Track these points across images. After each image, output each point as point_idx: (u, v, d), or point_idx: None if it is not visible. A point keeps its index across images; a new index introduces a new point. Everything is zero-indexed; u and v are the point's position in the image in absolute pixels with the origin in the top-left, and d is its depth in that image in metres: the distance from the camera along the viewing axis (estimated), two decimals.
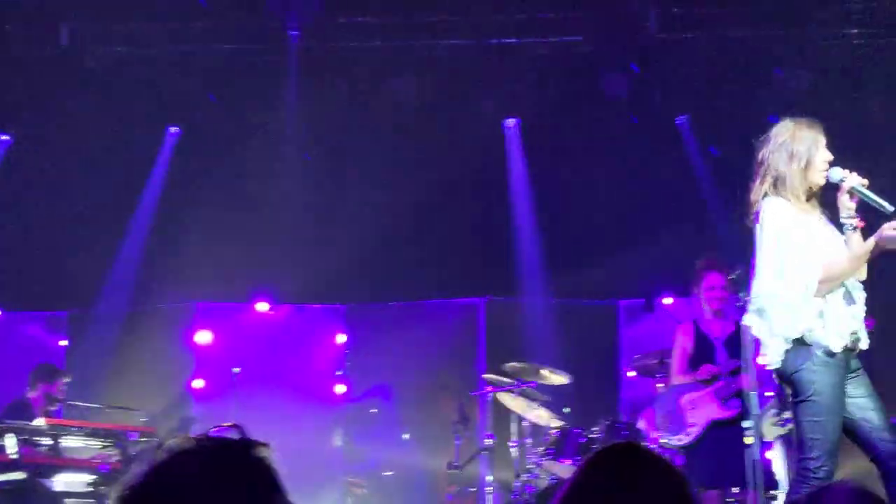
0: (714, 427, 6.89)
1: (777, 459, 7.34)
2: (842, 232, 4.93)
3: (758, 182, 5.10)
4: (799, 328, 4.83)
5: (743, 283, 6.61)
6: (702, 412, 6.95)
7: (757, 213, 5.04)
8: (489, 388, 8.27)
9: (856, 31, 9.92)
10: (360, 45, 9.95)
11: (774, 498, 6.88)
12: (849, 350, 4.89)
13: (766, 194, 5.01)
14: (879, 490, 4.61)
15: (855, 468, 5.68)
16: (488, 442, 8.15)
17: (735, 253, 8.88)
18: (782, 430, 7.38)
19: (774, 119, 5.30)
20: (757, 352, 6.64)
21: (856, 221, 4.92)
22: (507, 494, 8.37)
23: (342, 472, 9.00)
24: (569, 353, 9.22)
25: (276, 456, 1.83)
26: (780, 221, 4.92)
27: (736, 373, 6.75)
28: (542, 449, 8.08)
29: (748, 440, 6.40)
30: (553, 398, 8.50)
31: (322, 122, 10.19)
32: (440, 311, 10.06)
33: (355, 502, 8.82)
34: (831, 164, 5.02)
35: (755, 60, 10.12)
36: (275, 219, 10.03)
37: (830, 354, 4.81)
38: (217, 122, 10.19)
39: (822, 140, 5.07)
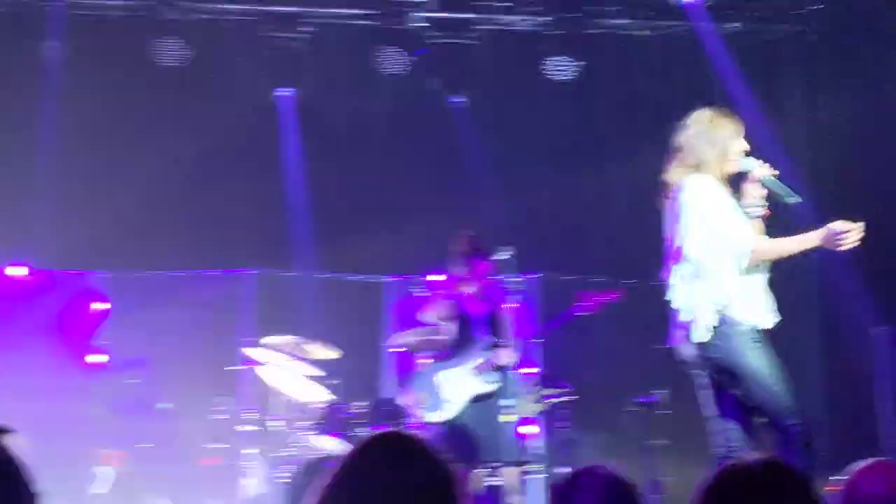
0: (473, 402, 7.02)
1: (534, 435, 7.56)
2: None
3: (675, 164, 5.25)
4: (727, 300, 5.05)
5: (510, 265, 6.79)
6: (461, 388, 7.08)
7: (675, 192, 5.18)
8: (255, 361, 8.19)
9: (626, 21, 10.36)
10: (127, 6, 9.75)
11: (531, 472, 7.10)
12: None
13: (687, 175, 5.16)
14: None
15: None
16: (252, 415, 8.07)
17: (502, 234, 9.16)
18: (541, 406, 7.63)
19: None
20: (519, 329, 6.86)
21: (761, 210, 5.16)
22: (270, 468, 8.32)
23: (99, 445, 8.71)
24: (336, 328, 9.23)
25: (19, 439, 1.73)
26: (711, 195, 5.09)
27: (494, 348, 6.89)
28: (306, 423, 8.08)
29: (508, 417, 6.59)
30: (319, 372, 8.50)
31: (90, 85, 9.86)
32: (208, 282, 9.86)
33: (112, 475, 8.57)
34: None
35: (527, 48, 10.43)
36: (38, 182, 9.63)
37: (753, 328, 5.06)
38: None
39: (740, 130, 5.26)
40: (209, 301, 9.75)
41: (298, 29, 10.24)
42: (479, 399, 7.00)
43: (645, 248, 10.25)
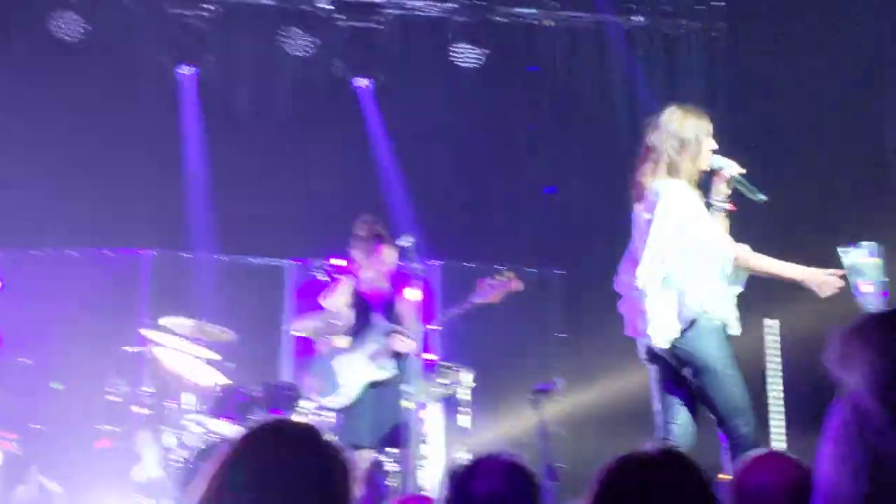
0: (370, 388, 7.01)
1: (433, 421, 7.59)
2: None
3: (647, 165, 5.23)
4: (707, 305, 5.10)
5: (411, 252, 6.78)
6: (358, 374, 7.06)
7: (646, 195, 5.17)
8: (153, 342, 8.08)
9: (532, 10, 10.42)
10: None
11: (426, 457, 7.13)
12: None
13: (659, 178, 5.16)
14: None
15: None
16: (147, 397, 7.95)
17: (404, 220, 9.17)
18: (440, 393, 7.65)
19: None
20: (424, 315, 6.86)
21: (728, 205, 5.20)
22: (165, 451, 8.22)
23: None
24: (235, 311, 9.15)
25: None
26: (687, 200, 5.10)
27: (392, 334, 6.89)
28: (202, 406, 8.00)
29: (407, 403, 6.59)
30: (216, 355, 8.42)
31: None
32: (103, 260, 9.66)
33: (3, 456, 8.37)
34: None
35: (434, 33, 10.43)
36: None
37: (724, 329, 5.16)
38: None
39: (709, 128, 5.28)
40: (105, 280, 9.55)
41: (202, 6, 10.09)
42: (375, 385, 6.99)
43: (548, 237, 10.43)
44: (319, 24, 10.36)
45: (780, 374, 8.69)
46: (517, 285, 7.14)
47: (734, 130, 10.12)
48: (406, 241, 6.82)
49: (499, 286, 7.04)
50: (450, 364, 7.97)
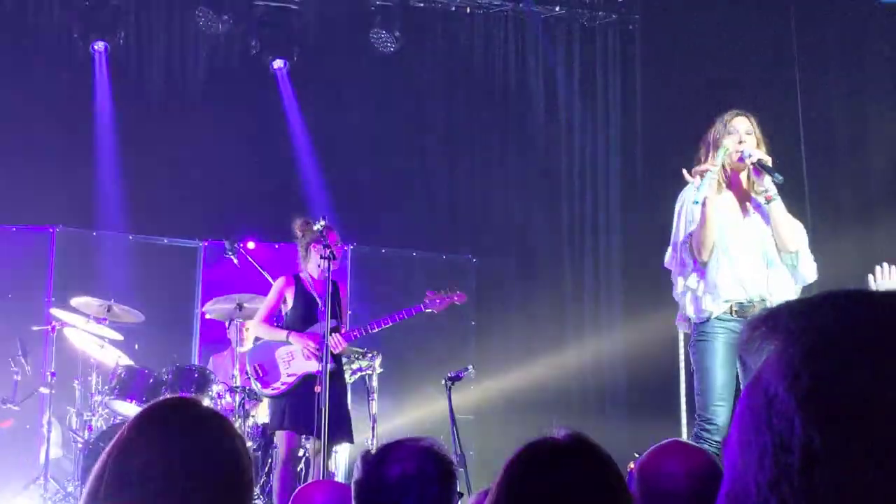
0: (306, 380, 6.98)
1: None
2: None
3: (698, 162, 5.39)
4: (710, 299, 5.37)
5: (325, 234, 6.76)
6: (297, 366, 7.03)
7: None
8: (55, 323, 7.93)
9: None
10: None
11: (342, 444, 7.15)
12: None
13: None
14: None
15: None
16: (51, 378, 7.80)
17: (317, 204, 9.13)
18: (351, 378, 7.66)
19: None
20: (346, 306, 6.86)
21: (765, 194, 5.33)
22: (67, 432, 8.10)
23: None
24: (145, 292, 9.02)
25: None
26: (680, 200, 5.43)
27: (336, 331, 6.88)
28: (107, 387, 7.89)
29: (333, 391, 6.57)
30: (124, 336, 8.30)
31: None
32: (6, 237, 9.42)
33: None
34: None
35: (353, 16, 10.40)
36: None
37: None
38: None
39: (735, 125, 5.34)
40: (10, 258, 9.32)
41: None
42: (310, 378, 6.94)
43: (460, 223, 10.47)
44: (236, 2, 10.25)
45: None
46: (461, 298, 7.39)
47: (651, 118, 10.30)
48: (317, 224, 6.81)
49: (446, 299, 7.26)
50: (360, 350, 7.96)
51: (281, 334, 7.14)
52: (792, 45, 8.94)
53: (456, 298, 7.33)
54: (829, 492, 0.95)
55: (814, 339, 1.01)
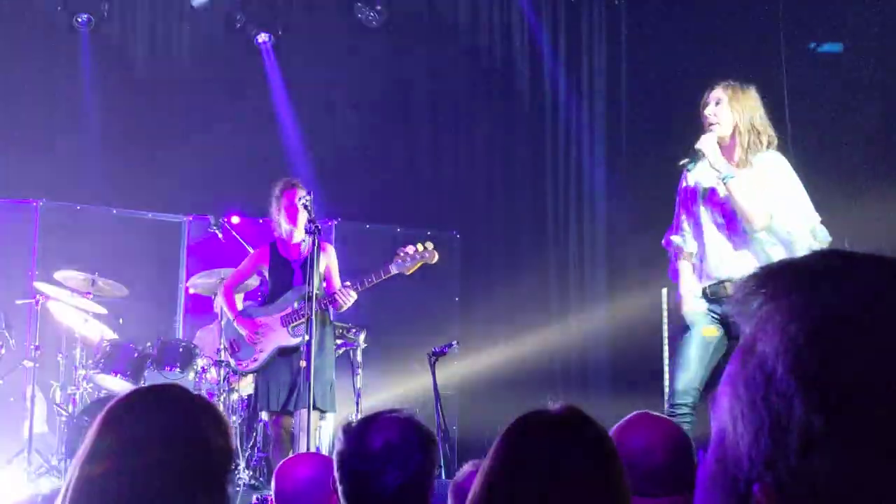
0: (280, 353, 6.95)
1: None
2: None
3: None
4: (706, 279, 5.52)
5: (310, 207, 6.72)
6: (270, 338, 6.99)
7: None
8: (39, 296, 7.91)
9: None
10: None
11: (323, 418, 7.14)
12: None
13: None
14: None
15: None
16: (35, 352, 7.79)
17: (303, 178, 9.10)
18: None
19: None
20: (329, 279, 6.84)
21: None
22: (52, 406, 8.09)
23: None
24: (130, 267, 8.99)
25: None
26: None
27: (306, 299, 6.69)
28: (91, 361, 7.89)
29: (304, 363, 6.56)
30: (108, 310, 8.29)
31: None
32: None
33: None
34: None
35: None
36: None
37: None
38: None
39: (707, 99, 5.41)
40: None
41: None
42: (285, 351, 6.92)
43: (445, 198, 10.45)
44: None
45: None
46: (433, 257, 6.86)
47: (636, 92, 10.29)
48: (303, 200, 6.77)
49: (417, 257, 6.80)
50: (344, 324, 7.96)
51: (229, 314, 7.15)
52: (779, 19, 8.93)
53: (428, 256, 6.93)
54: (829, 477, 0.90)
55: (820, 315, 0.93)
